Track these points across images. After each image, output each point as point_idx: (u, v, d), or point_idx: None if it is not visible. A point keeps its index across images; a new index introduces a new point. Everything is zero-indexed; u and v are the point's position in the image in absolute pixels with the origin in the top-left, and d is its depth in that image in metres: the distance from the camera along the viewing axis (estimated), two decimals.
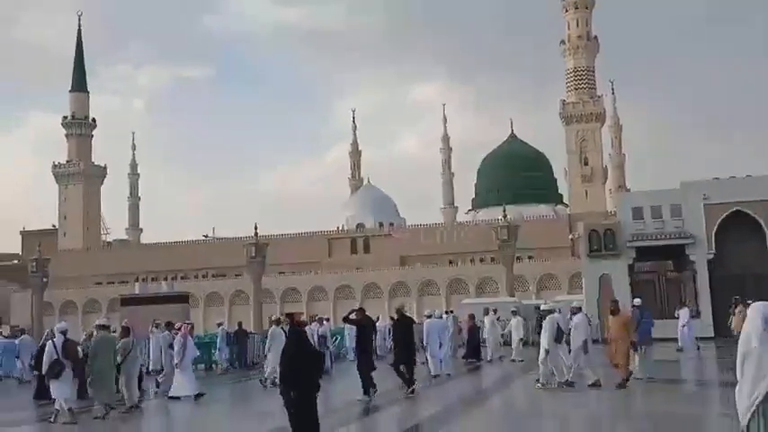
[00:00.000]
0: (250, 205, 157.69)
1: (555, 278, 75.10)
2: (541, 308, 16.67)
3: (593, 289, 33.28)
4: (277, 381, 10.29)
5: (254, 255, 60.85)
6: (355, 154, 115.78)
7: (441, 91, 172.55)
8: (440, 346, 18.21)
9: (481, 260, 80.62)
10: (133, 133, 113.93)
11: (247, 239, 62.14)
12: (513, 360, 21.85)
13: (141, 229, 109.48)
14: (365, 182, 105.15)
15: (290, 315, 8.50)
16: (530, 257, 75.75)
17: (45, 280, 61.43)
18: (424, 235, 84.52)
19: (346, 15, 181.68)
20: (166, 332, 18.07)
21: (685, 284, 33.13)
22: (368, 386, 13.86)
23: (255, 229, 61.19)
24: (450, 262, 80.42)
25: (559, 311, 16.21)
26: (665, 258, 33.06)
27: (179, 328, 16.74)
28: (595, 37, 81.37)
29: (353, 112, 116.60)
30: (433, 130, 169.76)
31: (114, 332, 15.47)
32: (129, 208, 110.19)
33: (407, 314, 16.29)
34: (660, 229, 32.56)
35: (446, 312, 22.34)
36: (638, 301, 16.60)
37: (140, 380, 15.51)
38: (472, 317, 23.24)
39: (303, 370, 7.30)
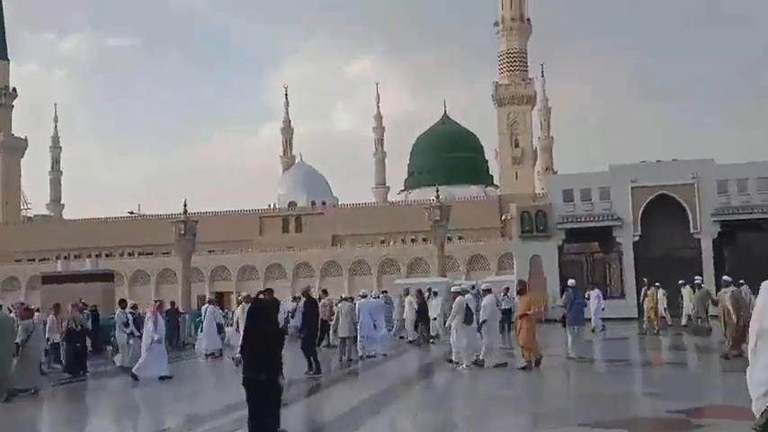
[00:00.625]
0: (178, 182, 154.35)
1: (485, 259, 76.23)
2: (451, 289, 16.81)
3: (524, 270, 33.81)
4: None
5: (183, 232, 59.27)
6: (287, 131, 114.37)
7: (375, 67, 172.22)
8: (374, 327, 18.16)
9: (413, 240, 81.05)
10: (55, 104, 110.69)
11: (176, 217, 60.58)
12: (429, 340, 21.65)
13: (63, 205, 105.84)
14: (297, 159, 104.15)
15: (264, 292, 8.17)
16: (460, 238, 76.57)
17: None
18: (356, 214, 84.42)
19: None
20: (119, 310, 17.58)
21: (611, 265, 34.11)
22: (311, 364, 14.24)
23: (185, 206, 59.55)
24: (383, 242, 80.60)
25: (478, 292, 16.41)
26: (594, 240, 33.85)
27: (133, 307, 16.75)
28: (528, 19, 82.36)
29: (286, 88, 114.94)
30: (366, 107, 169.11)
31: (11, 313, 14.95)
32: (51, 182, 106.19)
33: (312, 296, 16.60)
34: (589, 212, 33.29)
35: (382, 292, 22.16)
36: (572, 281, 16.86)
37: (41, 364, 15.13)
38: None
39: (272, 349, 6.99)
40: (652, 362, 16.45)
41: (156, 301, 16.67)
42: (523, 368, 13.88)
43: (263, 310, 7.42)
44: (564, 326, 16.38)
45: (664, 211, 32.34)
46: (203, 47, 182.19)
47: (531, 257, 33.79)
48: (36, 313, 21.46)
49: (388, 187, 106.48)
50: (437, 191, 57.77)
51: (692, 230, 32.18)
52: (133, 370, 14.90)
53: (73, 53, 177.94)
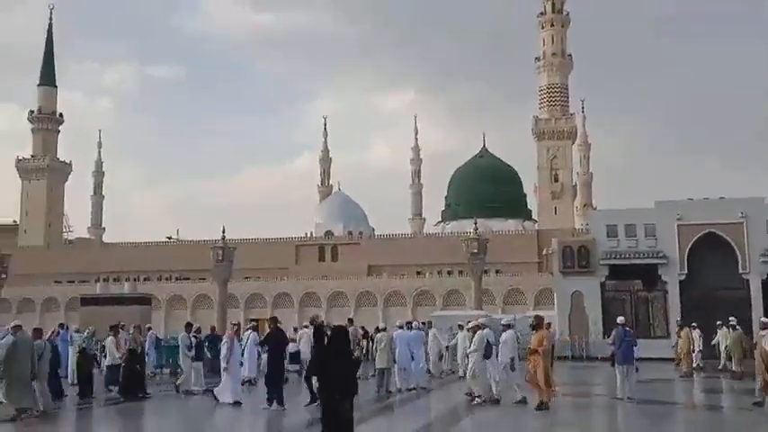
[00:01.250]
0: (216, 209, 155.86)
1: (521, 293, 75.21)
2: (468, 324, 16.55)
3: (564, 305, 33.26)
4: None
5: (220, 258, 59.61)
6: (325, 160, 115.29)
7: (414, 100, 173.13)
8: (412, 359, 17.82)
9: (449, 272, 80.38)
10: (99, 131, 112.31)
11: (214, 243, 60.99)
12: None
13: (104, 229, 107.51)
14: (334, 189, 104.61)
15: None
16: (497, 272, 75.74)
17: (4, 276, 59.48)
18: (392, 245, 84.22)
19: (322, 20, 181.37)
20: (183, 333, 17.67)
21: (654, 304, 33.30)
22: (278, 397, 13.98)
23: (223, 232, 60.05)
24: (418, 273, 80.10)
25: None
26: (637, 277, 33.15)
27: (197, 330, 16.90)
28: (570, 54, 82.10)
29: (325, 118, 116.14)
30: (404, 139, 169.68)
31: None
32: (93, 206, 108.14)
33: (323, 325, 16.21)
34: (633, 248, 32.67)
35: (422, 324, 21.75)
36: (621, 319, 16.34)
37: (59, 385, 15.05)
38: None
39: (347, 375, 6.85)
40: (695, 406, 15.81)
41: (233, 324, 16.47)
42: (539, 408, 13.36)
43: (342, 338, 7.32)
44: (613, 365, 15.85)
45: (711, 249, 31.61)
46: (244, 78, 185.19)
47: (573, 293, 33.22)
48: (75, 333, 21.59)
49: (425, 219, 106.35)
50: (475, 223, 57.33)
51: (740, 270, 31.38)
52: (214, 391, 14.83)
53: (116, 82, 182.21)
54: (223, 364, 14.95)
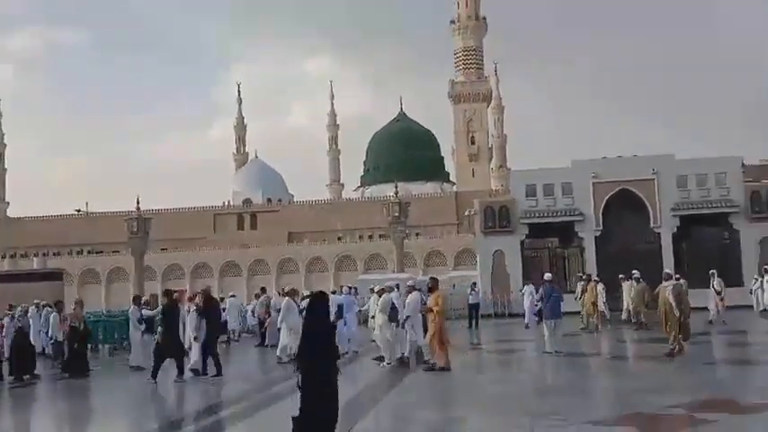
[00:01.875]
0: (128, 179, 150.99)
1: (442, 255, 76.32)
2: (375, 288, 16.65)
3: (487, 264, 33.86)
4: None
5: (135, 230, 57.91)
6: (240, 128, 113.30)
7: (330, 66, 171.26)
8: (345, 324, 17.76)
9: (369, 237, 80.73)
10: None
11: (128, 214, 59.14)
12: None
13: (8, 203, 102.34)
14: (252, 156, 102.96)
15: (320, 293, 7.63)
16: (417, 234, 76.50)
17: None
18: (312, 211, 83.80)
19: None
20: (133, 306, 17.22)
21: (571, 260, 34.32)
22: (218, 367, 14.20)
23: (137, 202, 58.30)
24: (339, 238, 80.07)
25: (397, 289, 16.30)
26: (555, 234, 34.05)
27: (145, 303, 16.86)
28: (484, 18, 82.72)
29: (239, 85, 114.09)
30: (320, 105, 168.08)
31: None
32: None
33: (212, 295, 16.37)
34: (552, 207, 33.43)
35: (351, 288, 21.69)
36: (548, 275, 16.70)
37: None
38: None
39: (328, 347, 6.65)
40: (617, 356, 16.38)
41: (200, 293, 15.51)
42: (442, 369, 13.25)
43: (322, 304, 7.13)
44: (540, 320, 16.22)
45: (625, 206, 32.68)
46: (153, 44, 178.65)
47: (494, 252, 33.83)
48: None
49: (343, 184, 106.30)
50: (396, 187, 57.62)
51: (652, 225, 32.59)
52: (189, 367, 14.16)
53: (19, 46, 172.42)
54: (193, 334, 14.44)
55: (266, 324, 21.53)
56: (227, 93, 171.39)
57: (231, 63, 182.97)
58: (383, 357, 14.90)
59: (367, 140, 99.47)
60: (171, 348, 13.70)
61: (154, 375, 13.47)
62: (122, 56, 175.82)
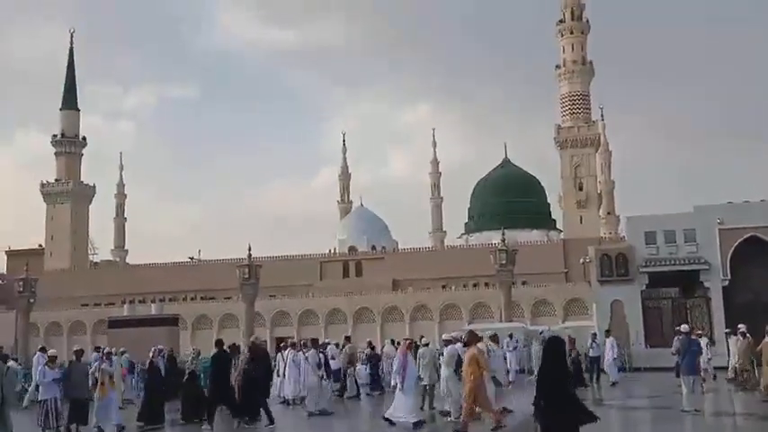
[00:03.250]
0: (235, 228, 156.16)
1: (549, 304, 74.33)
2: (443, 337, 15.99)
3: (604, 315, 32.53)
4: None
5: (247, 276, 59.42)
6: (345, 176, 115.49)
7: (431, 112, 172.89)
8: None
9: (474, 285, 79.73)
10: (121, 153, 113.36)
11: (239, 261, 60.85)
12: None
13: (127, 251, 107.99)
14: (356, 204, 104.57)
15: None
16: (524, 283, 74.88)
17: (32, 301, 59.59)
18: (416, 259, 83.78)
19: (335, 35, 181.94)
20: (312, 350, 17.85)
21: (694, 311, 32.49)
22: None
23: (249, 250, 59.88)
24: (443, 286, 79.47)
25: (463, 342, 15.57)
26: (678, 284, 32.40)
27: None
28: (590, 62, 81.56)
29: (344, 134, 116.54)
30: (422, 153, 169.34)
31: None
32: (116, 228, 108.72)
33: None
34: (673, 255, 31.92)
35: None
36: (685, 327, 15.72)
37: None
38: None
39: None
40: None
41: (406, 340, 15.62)
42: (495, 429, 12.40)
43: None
44: (677, 375, 15.23)
45: (754, 253, 30.82)
46: (261, 96, 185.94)
47: (612, 302, 32.51)
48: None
49: (445, 232, 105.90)
50: (503, 233, 56.67)
51: None
52: (385, 415, 14.11)
53: (136, 103, 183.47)
54: (394, 381, 14.51)
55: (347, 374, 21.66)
56: (330, 142, 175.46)
57: (334, 113, 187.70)
58: (449, 412, 14.35)
59: (469, 187, 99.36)
60: (219, 396, 14.25)
61: (209, 422, 14.07)
62: (226, 108, 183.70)
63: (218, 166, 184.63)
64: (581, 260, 37.64)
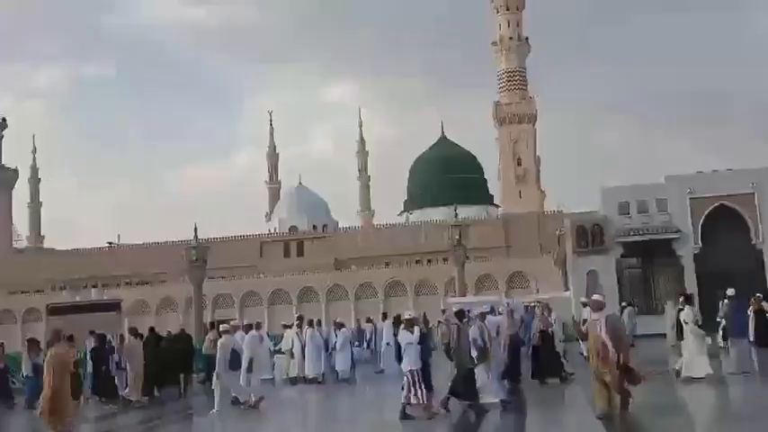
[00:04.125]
0: (156, 209, 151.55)
1: (492, 278, 75.30)
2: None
3: (580, 285, 33.06)
4: None
5: (194, 258, 57.47)
6: (272, 156, 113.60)
7: (359, 91, 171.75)
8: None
9: (417, 262, 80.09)
10: (33, 136, 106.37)
11: (187, 242, 58.90)
12: None
13: (43, 237, 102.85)
14: (285, 183, 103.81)
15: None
16: (467, 258, 75.59)
17: None
18: (358, 238, 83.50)
19: (254, 12, 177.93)
20: (254, 332, 16.77)
21: (666, 279, 33.43)
22: None
23: (195, 230, 57.83)
24: (387, 264, 79.42)
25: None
26: (652, 253, 33.25)
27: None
28: (526, 38, 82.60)
29: (270, 113, 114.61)
30: (350, 131, 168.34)
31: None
32: (30, 214, 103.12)
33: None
34: (647, 224, 32.70)
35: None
36: (731, 291, 16.04)
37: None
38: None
39: None
40: None
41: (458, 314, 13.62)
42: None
43: None
44: (724, 339, 15.43)
45: (724, 221, 31.90)
46: (177, 77, 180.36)
47: (588, 273, 33.09)
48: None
49: (374, 211, 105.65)
50: (455, 209, 57.07)
51: (753, 241, 31.77)
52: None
53: (48, 83, 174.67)
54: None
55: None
56: (252, 121, 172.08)
57: (255, 91, 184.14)
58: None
59: (401, 166, 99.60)
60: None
61: None
62: (145, 89, 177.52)
63: (138, 147, 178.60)
64: (557, 231, 38.07)
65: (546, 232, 72.33)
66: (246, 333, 16.80)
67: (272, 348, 21.13)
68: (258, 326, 18.35)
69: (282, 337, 21.98)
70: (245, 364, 14.84)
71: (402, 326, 12.80)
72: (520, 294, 59.51)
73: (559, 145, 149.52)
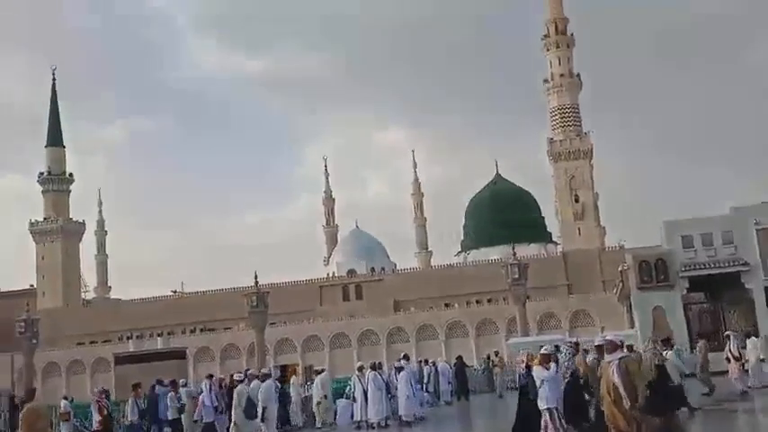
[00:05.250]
0: (217, 258, 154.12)
1: (555, 317, 74.17)
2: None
3: (646, 322, 32.36)
4: None
5: (255, 304, 58.83)
6: (329, 200, 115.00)
7: (411, 134, 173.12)
8: None
9: (477, 302, 79.57)
10: (99, 189, 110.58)
11: (247, 289, 60.25)
12: None
13: (110, 287, 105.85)
14: (342, 228, 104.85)
15: None
16: (528, 297, 74.79)
17: (34, 341, 58.09)
18: (416, 279, 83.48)
19: (309, 62, 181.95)
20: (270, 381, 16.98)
21: (737, 313, 32.46)
22: None
23: (255, 277, 59.52)
24: (446, 305, 79.08)
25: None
26: (718, 287, 32.42)
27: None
28: (578, 74, 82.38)
29: (325, 159, 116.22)
30: (404, 175, 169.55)
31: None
32: (98, 265, 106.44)
33: None
34: (713, 257, 31.92)
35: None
36: None
37: None
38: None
39: None
40: None
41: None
42: None
43: None
44: None
45: None
46: (234, 126, 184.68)
47: (654, 309, 32.36)
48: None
49: (431, 252, 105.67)
50: (513, 248, 56.89)
51: None
52: None
53: (110, 139, 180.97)
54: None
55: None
56: (308, 167, 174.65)
57: (310, 138, 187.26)
58: None
59: (456, 206, 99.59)
60: None
61: None
62: (199, 137, 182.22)
63: (196, 196, 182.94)
64: (619, 267, 37.44)
65: (608, 269, 71.17)
66: (263, 382, 16.82)
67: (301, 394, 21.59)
68: (274, 374, 18.36)
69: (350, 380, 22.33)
70: (259, 412, 15.00)
71: (537, 361, 12.49)
72: (584, 333, 58.64)
73: (617, 180, 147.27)
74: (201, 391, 17.81)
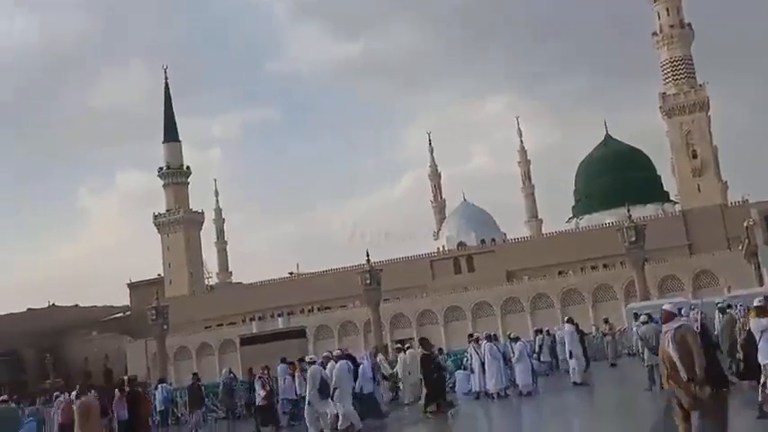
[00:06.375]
0: (328, 240, 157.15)
1: (676, 279, 71.35)
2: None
3: None
4: None
5: (369, 282, 59.69)
6: (435, 175, 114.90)
7: (512, 102, 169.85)
8: None
9: (593, 268, 77.61)
10: (215, 180, 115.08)
11: (361, 267, 61.22)
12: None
13: (231, 272, 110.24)
14: (450, 202, 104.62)
15: None
16: (646, 260, 72.22)
17: (165, 327, 61.40)
18: (528, 248, 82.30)
19: (405, 39, 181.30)
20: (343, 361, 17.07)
21: None
22: None
23: (367, 256, 60.25)
24: (560, 272, 77.57)
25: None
26: None
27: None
28: (689, 24, 78.13)
29: (429, 134, 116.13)
30: (510, 142, 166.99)
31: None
32: (218, 252, 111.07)
33: None
34: None
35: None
36: None
37: None
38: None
39: None
40: None
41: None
42: None
43: None
44: None
45: None
46: (337, 110, 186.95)
47: None
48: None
49: (541, 219, 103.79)
50: (628, 210, 54.82)
51: None
52: None
53: (222, 132, 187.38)
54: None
55: None
56: (411, 145, 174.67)
57: (413, 116, 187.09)
58: None
59: (564, 171, 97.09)
60: None
61: None
62: (309, 128, 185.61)
63: (307, 182, 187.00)
64: (744, 223, 35.56)
65: (732, 225, 67.46)
66: (337, 363, 16.60)
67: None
68: (349, 356, 18.10)
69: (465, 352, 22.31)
70: (332, 392, 15.15)
71: (754, 313, 11.61)
72: (709, 294, 56.04)
73: (738, 133, 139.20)
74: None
